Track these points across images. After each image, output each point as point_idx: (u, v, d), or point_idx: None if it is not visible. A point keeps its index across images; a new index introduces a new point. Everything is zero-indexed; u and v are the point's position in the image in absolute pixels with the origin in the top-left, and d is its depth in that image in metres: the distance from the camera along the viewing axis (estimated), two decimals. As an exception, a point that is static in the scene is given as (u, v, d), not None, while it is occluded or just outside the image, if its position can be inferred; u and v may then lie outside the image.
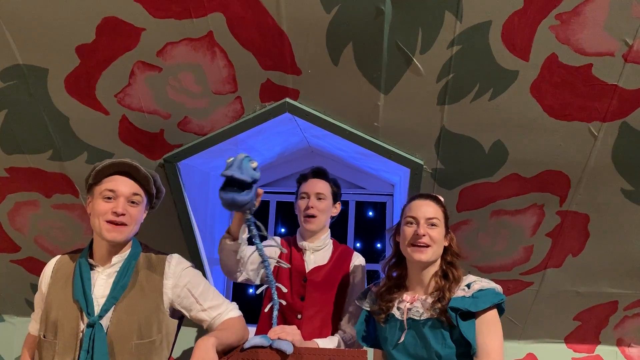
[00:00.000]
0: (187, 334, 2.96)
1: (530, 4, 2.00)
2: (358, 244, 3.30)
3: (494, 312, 1.81)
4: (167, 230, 2.79)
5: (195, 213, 2.79)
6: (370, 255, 3.19)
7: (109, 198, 1.80)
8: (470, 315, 1.78)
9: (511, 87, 2.22)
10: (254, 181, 1.79)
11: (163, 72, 2.29)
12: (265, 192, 3.31)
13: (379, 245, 3.32)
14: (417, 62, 2.19)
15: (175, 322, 1.92)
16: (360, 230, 3.31)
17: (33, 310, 2.00)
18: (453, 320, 1.76)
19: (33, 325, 1.99)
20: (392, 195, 3.29)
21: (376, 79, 2.26)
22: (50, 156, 2.59)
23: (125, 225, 1.80)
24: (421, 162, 2.51)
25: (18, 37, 2.21)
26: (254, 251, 1.96)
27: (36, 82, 2.34)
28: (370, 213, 3.35)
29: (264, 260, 1.93)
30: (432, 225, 1.89)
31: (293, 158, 3.28)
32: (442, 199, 2.01)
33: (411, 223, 1.91)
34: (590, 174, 2.45)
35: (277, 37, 2.17)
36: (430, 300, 1.86)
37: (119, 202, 1.80)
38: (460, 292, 1.84)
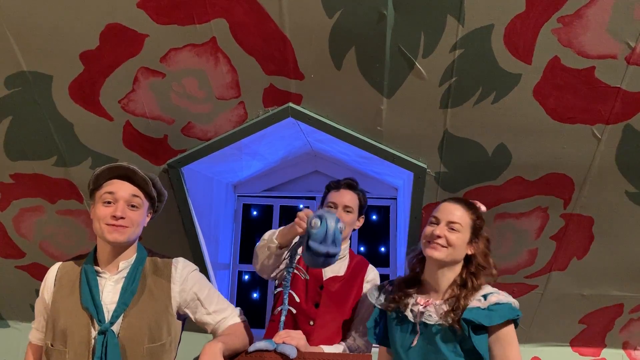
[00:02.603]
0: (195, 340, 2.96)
1: (532, 7, 2.01)
2: (362, 248, 3.30)
3: (510, 327, 1.80)
4: (171, 235, 2.79)
5: (199, 218, 2.80)
6: (374, 259, 3.19)
7: (109, 202, 1.81)
8: (482, 328, 1.77)
9: (514, 90, 2.22)
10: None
11: (166, 77, 2.30)
12: (268, 197, 3.34)
13: (382, 249, 3.32)
14: (419, 66, 2.19)
15: (180, 323, 1.94)
16: (364, 234, 3.30)
17: (37, 317, 1.99)
18: (465, 332, 1.75)
19: (34, 334, 1.96)
20: (395, 199, 3.29)
21: (379, 83, 2.26)
22: (55, 162, 2.60)
23: (126, 227, 1.80)
24: (424, 166, 2.51)
25: (22, 44, 2.23)
26: (287, 255, 1.99)
27: (41, 89, 2.35)
28: (374, 217, 3.35)
29: (289, 267, 1.96)
30: (452, 229, 1.86)
31: (296, 162, 3.29)
32: (479, 207, 1.97)
33: (433, 223, 1.90)
34: (594, 176, 2.44)
35: (280, 42, 2.18)
36: (444, 307, 1.84)
37: (118, 205, 1.80)
38: (475, 302, 1.81)
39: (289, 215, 3.31)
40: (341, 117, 2.44)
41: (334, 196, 2.35)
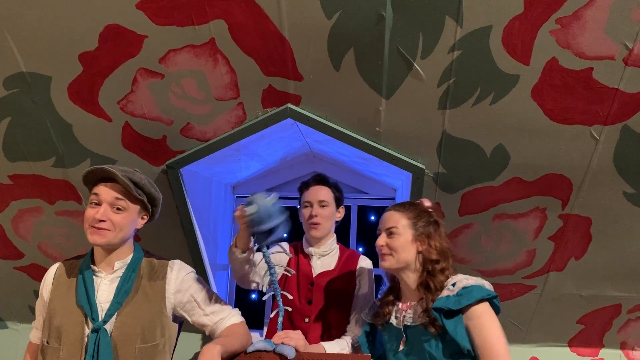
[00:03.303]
0: (192, 340, 2.96)
1: (530, 9, 2.01)
2: (360, 249, 3.30)
3: (483, 305, 1.75)
4: (170, 236, 2.79)
5: (197, 219, 2.80)
6: (373, 259, 3.19)
7: (96, 204, 1.82)
8: (455, 314, 1.75)
9: (512, 91, 2.23)
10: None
11: (165, 78, 2.30)
12: (267, 198, 3.34)
13: (381, 249, 3.32)
14: (418, 67, 2.20)
15: (177, 326, 1.95)
16: (363, 234, 3.31)
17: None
18: (439, 321, 1.75)
19: (35, 333, 1.99)
20: (394, 199, 3.29)
21: (377, 84, 2.27)
22: (54, 163, 2.60)
23: (108, 230, 1.80)
24: (423, 167, 2.52)
25: (21, 45, 2.23)
26: (262, 259, 1.97)
27: (39, 90, 2.35)
28: (373, 217, 3.36)
29: (270, 268, 1.94)
30: (391, 234, 1.90)
31: (295, 163, 3.29)
32: (421, 202, 2.00)
33: (378, 235, 1.96)
34: (592, 177, 2.45)
35: (279, 43, 2.18)
36: (418, 308, 1.86)
37: (100, 208, 1.81)
38: (445, 292, 1.81)
39: (287, 215, 3.31)
40: (340, 118, 2.44)
41: (306, 195, 2.40)
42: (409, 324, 1.86)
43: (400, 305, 1.94)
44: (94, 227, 1.80)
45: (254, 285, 2.15)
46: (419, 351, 1.81)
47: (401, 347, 1.86)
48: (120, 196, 1.83)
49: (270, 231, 1.83)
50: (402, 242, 1.88)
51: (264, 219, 1.81)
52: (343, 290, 2.31)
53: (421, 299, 1.86)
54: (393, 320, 1.92)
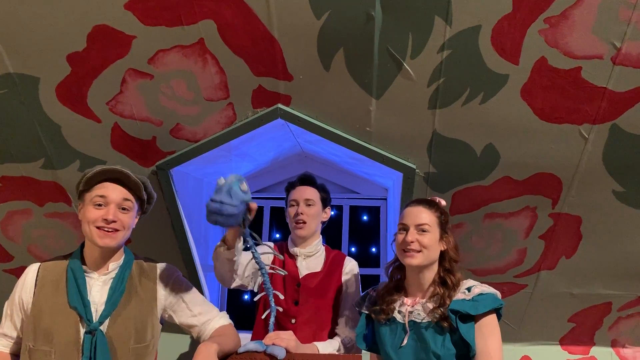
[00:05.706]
0: (178, 341, 2.96)
1: (519, 8, 2.02)
2: (352, 249, 3.30)
3: (493, 317, 1.84)
4: (161, 237, 2.78)
5: (188, 220, 2.79)
6: (365, 259, 3.20)
7: (100, 205, 1.80)
8: (469, 318, 1.81)
9: (502, 90, 2.23)
10: (243, 203, 1.79)
11: (155, 79, 2.29)
12: (259, 198, 3.34)
13: (373, 249, 3.32)
14: (407, 67, 2.20)
15: (160, 327, 1.96)
16: (355, 234, 3.31)
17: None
18: (453, 323, 1.80)
19: (1, 340, 1.88)
20: (385, 199, 3.30)
21: (367, 84, 2.27)
22: (43, 165, 2.58)
23: (117, 230, 1.80)
24: (414, 166, 2.52)
25: (9, 45, 2.21)
26: (251, 259, 1.96)
27: (27, 91, 2.33)
28: (364, 217, 3.36)
29: (261, 269, 1.93)
30: (422, 231, 1.91)
31: (286, 163, 3.29)
32: (439, 202, 2.03)
33: (402, 230, 1.95)
34: (582, 176, 2.46)
35: (269, 43, 2.18)
36: (430, 304, 1.89)
37: (109, 208, 1.79)
38: (460, 294, 1.87)
39: (279, 216, 3.31)
40: (330, 118, 2.44)
41: (292, 194, 2.41)
42: (417, 320, 1.88)
43: (405, 300, 1.95)
44: (104, 229, 1.78)
45: (235, 284, 2.15)
46: (423, 348, 1.84)
47: (404, 342, 1.87)
48: (127, 197, 1.84)
49: (218, 202, 1.74)
50: (432, 240, 1.91)
51: (220, 190, 1.75)
52: (330, 291, 2.31)
53: (433, 296, 1.89)
54: (397, 315, 1.93)
